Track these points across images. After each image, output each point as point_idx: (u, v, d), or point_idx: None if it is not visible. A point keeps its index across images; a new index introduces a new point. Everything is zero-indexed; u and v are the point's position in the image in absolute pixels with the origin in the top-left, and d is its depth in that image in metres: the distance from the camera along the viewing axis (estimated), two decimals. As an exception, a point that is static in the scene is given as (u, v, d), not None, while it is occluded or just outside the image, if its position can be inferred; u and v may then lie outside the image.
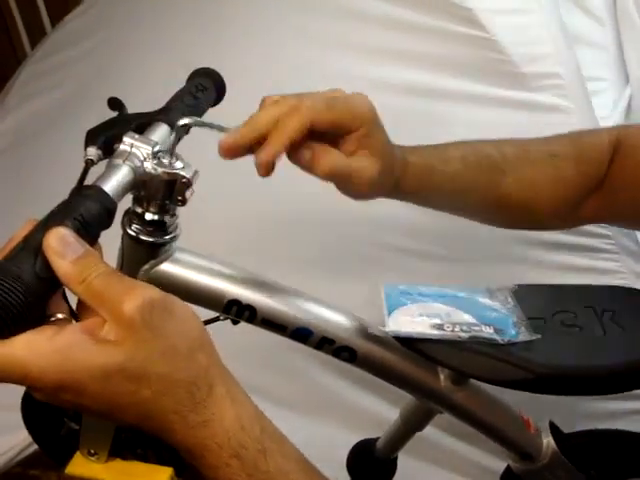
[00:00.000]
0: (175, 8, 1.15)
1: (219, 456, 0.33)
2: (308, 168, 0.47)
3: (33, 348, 0.31)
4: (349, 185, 0.48)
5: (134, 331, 0.32)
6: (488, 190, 0.55)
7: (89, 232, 0.36)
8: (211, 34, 1.05)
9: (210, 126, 0.49)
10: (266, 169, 0.45)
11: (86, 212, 0.36)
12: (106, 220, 0.38)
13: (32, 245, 0.33)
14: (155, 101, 0.52)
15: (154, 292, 0.34)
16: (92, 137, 0.45)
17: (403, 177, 0.52)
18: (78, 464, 0.79)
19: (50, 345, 0.31)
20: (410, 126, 0.90)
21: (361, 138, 0.47)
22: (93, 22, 1.33)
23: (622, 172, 0.57)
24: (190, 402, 0.33)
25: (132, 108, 0.51)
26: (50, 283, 0.33)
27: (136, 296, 0.32)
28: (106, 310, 0.32)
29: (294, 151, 0.46)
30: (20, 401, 0.78)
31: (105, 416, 0.33)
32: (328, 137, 0.48)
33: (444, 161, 0.54)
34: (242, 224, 0.90)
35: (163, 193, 0.44)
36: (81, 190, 0.38)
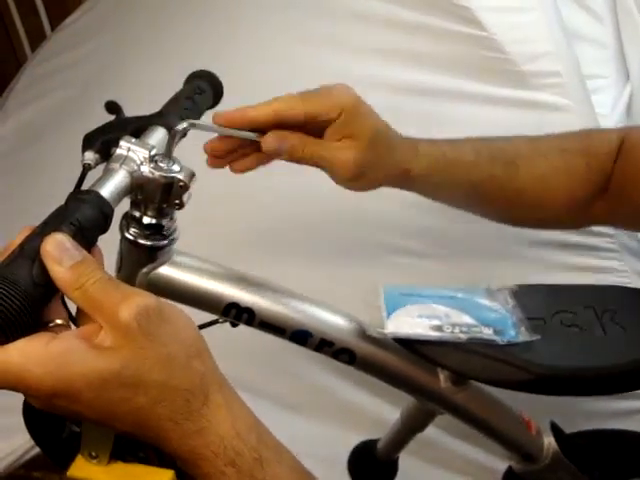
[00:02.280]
0: (174, 11, 1.15)
1: (215, 464, 0.33)
2: (290, 158, 0.49)
3: (28, 354, 0.31)
4: (332, 172, 0.50)
5: (130, 338, 0.32)
6: (504, 183, 0.55)
7: (86, 237, 0.36)
8: (211, 36, 1.05)
9: (207, 129, 0.49)
10: (211, 148, 0.50)
11: (83, 217, 0.36)
12: (103, 225, 0.38)
13: (29, 251, 0.33)
14: (154, 103, 0.52)
15: (150, 299, 0.33)
16: (89, 141, 0.45)
17: (413, 161, 0.52)
18: (80, 467, 0.79)
19: (45, 351, 0.31)
20: (409, 125, 0.90)
21: (342, 126, 0.48)
22: (93, 25, 1.34)
23: (623, 172, 0.57)
24: (186, 410, 0.33)
25: (131, 111, 0.51)
26: (47, 289, 0.33)
27: (132, 303, 0.32)
28: (102, 317, 0.32)
29: (272, 141, 0.48)
30: (22, 404, 0.78)
31: (100, 423, 0.33)
32: (311, 129, 0.49)
33: (458, 151, 0.54)
34: (240, 225, 0.90)
35: (160, 197, 0.44)
36: (78, 195, 0.38)
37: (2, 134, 1.26)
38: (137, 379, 0.32)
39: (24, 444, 0.93)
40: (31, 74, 1.35)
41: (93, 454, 0.77)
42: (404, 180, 0.53)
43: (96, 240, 0.38)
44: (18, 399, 0.77)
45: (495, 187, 0.55)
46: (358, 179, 0.50)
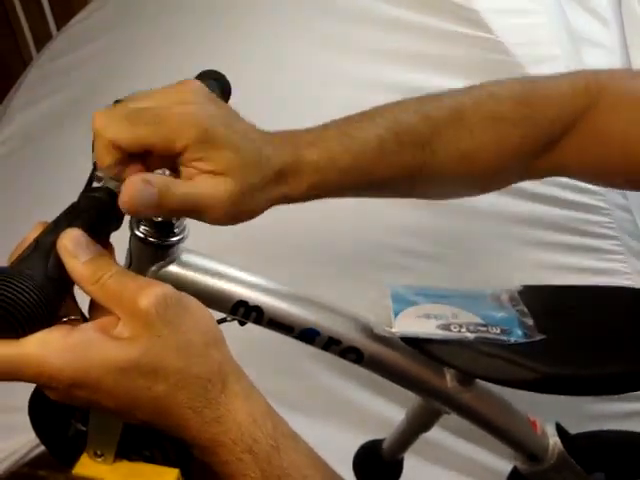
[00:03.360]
0: (181, 12, 1.15)
1: (232, 451, 0.33)
2: (154, 210, 0.37)
3: (47, 346, 0.31)
4: (202, 215, 0.39)
5: (149, 327, 0.32)
6: (415, 171, 0.46)
7: (100, 233, 0.37)
8: (218, 36, 1.05)
9: None
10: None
11: (96, 214, 0.37)
12: (116, 221, 0.39)
13: (44, 246, 0.34)
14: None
15: (168, 288, 0.34)
16: None
17: (297, 183, 0.42)
18: (85, 465, 0.79)
19: (64, 343, 0.31)
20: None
21: (195, 160, 0.38)
22: (98, 25, 1.34)
23: (608, 123, 0.49)
24: (204, 398, 0.33)
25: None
26: (62, 284, 0.34)
27: (150, 293, 0.33)
28: (121, 308, 0.33)
29: (133, 194, 0.36)
30: (27, 403, 0.78)
31: (119, 413, 0.34)
32: (156, 162, 0.39)
33: (354, 152, 0.44)
34: (246, 226, 0.91)
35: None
36: (91, 192, 0.39)
37: (8, 133, 1.26)
38: (156, 367, 0.32)
39: (28, 443, 0.93)
40: (37, 74, 1.35)
41: (98, 452, 0.77)
42: (289, 201, 0.44)
43: (109, 237, 0.39)
44: (22, 398, 0.78)
45: (403, 176, 0.47)
46: (233, 218, 0.41)
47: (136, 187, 0.35)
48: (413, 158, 0.46)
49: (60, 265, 0.34)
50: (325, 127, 0.45)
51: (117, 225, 0.39)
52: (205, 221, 0.41)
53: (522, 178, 0.54)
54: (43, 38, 1.74)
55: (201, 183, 0.38)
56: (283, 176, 0.42)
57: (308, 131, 0.44)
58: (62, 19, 1.65)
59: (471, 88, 0.49)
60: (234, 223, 0.42)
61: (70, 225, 0.35)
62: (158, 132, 0.37)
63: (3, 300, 0.31)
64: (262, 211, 0.43)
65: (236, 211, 0.40)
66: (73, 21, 1.42)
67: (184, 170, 0.39)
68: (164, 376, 0.32)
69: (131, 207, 0.35)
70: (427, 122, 0.46)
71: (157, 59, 1.12)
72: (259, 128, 0.43)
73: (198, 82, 0.41)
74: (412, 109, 0.47)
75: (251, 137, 0.41)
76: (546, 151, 0.50)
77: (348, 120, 0.46)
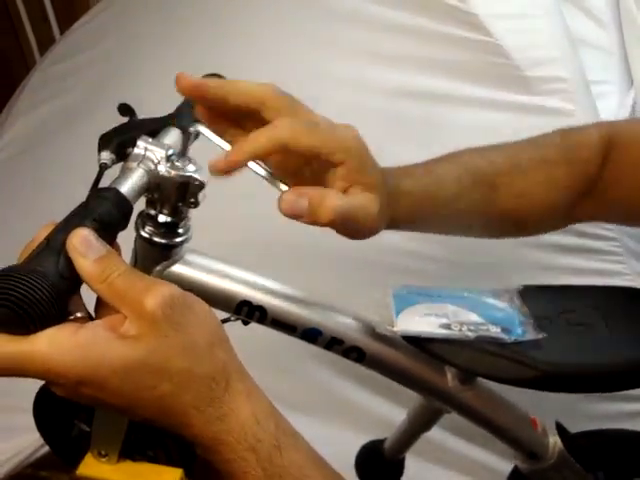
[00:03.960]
0: (183, 17, 1.16)
1: (235, 450, 0.34)
2: (308, 218, 0.42)
3: (56, 343, 0.32)
4: (356, 226, 0.44)
5: (156, 327, 0.33)
6: (483, 208, 0.54)
7: (107, 233, 0.37)
8: (220, 39, 1.06)
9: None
10: (218, 172, 0.42)
11: (104, 214, 0.37)
12: (123, 221, 0.39)
13: (54, 245, 0.35)
14: (166, 105, 0.53)
15: (175, 289, 0.35)
16: (105, 142, 0.46)
17: (396, 208, 0.48)
18: (89, 465, 0.80)
19: (73, 340, 0.32)
20: (414, 130, 0.91)
21: (352, 173, 0.43)
22: (102, 29, 1.35)
23: (616, 171, 0.56)
24: (209, 397, 0.34)
25: (142, 113, 0.52)
26: (72, 282, 0.34)
27: (157, 293, 0.34)
28: (128, 307, 0.33)
29: (288, 204, 0.41)
30: (32, 403, 0.78)
31: (124, 411, 0.34)
32: (307, 174, 0.44)
33: (440, 185, 0.51)
34: (247, 227, 0.91)
35: (176, 196, 0.45)
36: (98, 192, 0.39)
37: (11, 136, 1.27)
38: (162, 366, 0.33)
39: (32, 444, 0.94)
40: (40, 77, 1.36)
41: (102, 452, 0.78)
42: (387, 227, 0.50)
43: (116, 237, 0.40)
44: (27, 400, 0.78)
45: (475, 212, 0.54)
46: (376, 231, 0.47)
47: (289, 197, 0.41)
48: (482, 195, 0.53)
49: (71, 263, 0.34)
50: (412, 166, 0.53)
51: (124, 225, 0.40)
52: (353, 234, 0.46)
53: (567, 221, 0.60)
54: (46, 42, 1.74)
55: (357, 197, 0.43)
56: (390, 201, 0.47)
57: (398, 168, 0.51)
58: (65, 23, 1.66)
59: (523, 140, 0.58)
60: (370, 236, 0.47)
61: (80, 224, 0.36)
62: (329, 144, 0.42)
63: (16, 297, 0.32)
64: (382, 227, 0.48)
65: (378, 226, 0.46)
66: (76, 25, 1.43)
67: (337, 183, 0.43)
68: (169, 376, 0.33)
69: (287, 213, 0.41)
70: (491, 166, 0.54)
71: (159, 62, 1.13)
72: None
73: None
74: (479, 155, 0.55)
75: (371, 156, 0.46)
76: (587, 193, 0.57)
77: (429, 161, 0.54)
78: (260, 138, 0.41)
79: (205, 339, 0.35)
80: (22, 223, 1.11)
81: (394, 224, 0.50)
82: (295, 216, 0.42)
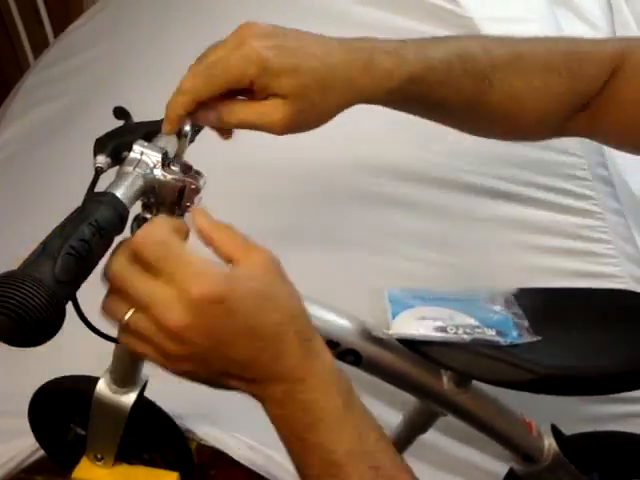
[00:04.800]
0: (179, 16, 1.16)
1: (322, 381, 0.39)
2: (218, 127, 0.48)
3: (205, 266, 0.37)
4: (262, 130, 0.46)
5: (268, 271, 0.39)
6: (472, 98, 0.51)
7: (104, 238, 0.37)
8: (215, 40, 1.06)
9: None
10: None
11: (101, 218, 0.37)
12: (120, 225, 0.39)
13: (51, 250, 0.34)
14: (161, 108, 0.53)
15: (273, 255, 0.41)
16: (101, 145, 0.46)
17: (366, 85, 0.47)
18: (84, 469, 0.80)
19: (215, 269, 0.37)
20: (414, 127, 0.91)
21: (262, 89, 0.45)
22: (96, 32, 1.35)
23: (624, 91, 0.53)
24: (308, 333, 0.40)
25: (137, 116, 0.52)
26: (69, 287, 0.34)
27: (265, 251, 0.40)
28: (242, 255, 0.39)
29: (200, 114, 0.46)
30: (27, 407, 0.78)
31: (241, 338, 0.37)
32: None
33: (428, 69, 0.49)
34: (247, 224, 0.91)
35: (172, 199, 0.45)
36: (95, 197, 0.39)
37: (6, 138, 1.26)
38: (274, 299, 0.38)
39: (26, 448, 0.93)
40: (34, 80, 1.36)
41: (98, 456, 0.78)
42: (365, 102, 0.49)
43: (113, 240, 0.40)
44: (21, 404, 0.78)
45: (461, 104, 0.51)
46: (296, 130, 0.47)
47: (203, 112, 0.45)
48: (473, 87, 0.50)
49: (67, 268, 0.34)
50: (402, 41, 0.49)
51: (120, 229, 0.40)
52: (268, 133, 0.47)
53: (557, 133, 0.57)
54: (40, 45, 1.74)
55: (261, 107, 0.45)
56: (357, 84, 0.46)
57: (386, 41, 0.49)
58: (59, 26, 1.65)
59: (528, 38, 0.54)
60: (298, 132, 0.47)
61: (76, 229, 0.36)
62: (228, 79, 0.44)
63: (13, 304, 0.32)
64: (332, 116, 0.48)
65: (296, 125, 0.46)
66: (70, 28, 1.42)
67: (256, 95, 0.45)
68: (279, 307, 0.38)
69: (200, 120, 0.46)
70: (489, 58, 0.50)
71: (154, 65, 1.12)
72: (330, 38, 0.47)
73: (253, 22, 0.47)
74: (478, 44, 0.51)
75: (313, 53, 0.45)
76: (583, 109, 0.54)
77: (423, 40, 0.51)
78: (169, 112, 0.46)
79: (297, 293, 0.41)
80: (17, 225, 1.10)
81: (372, 102, 0.48)
82: (205, 122, 0.47)
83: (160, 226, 0.38)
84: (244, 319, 0.37)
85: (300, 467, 0.39)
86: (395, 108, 0.51)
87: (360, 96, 0.47)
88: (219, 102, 0.46)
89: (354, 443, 0.38)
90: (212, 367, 0.38)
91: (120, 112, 0.52)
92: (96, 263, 0.38)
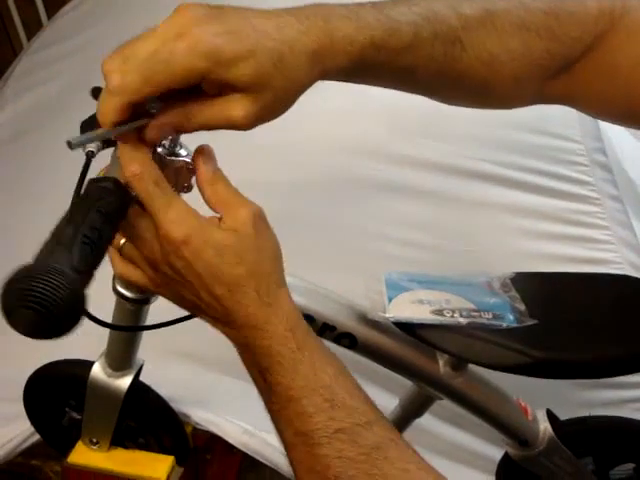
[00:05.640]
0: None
1: (277, 329, 0.42)
2: (180, 133, 0.43)
3: (181, 214, 0.41)
4: (225, 129, 0.41)
5: (244, 228, 0.42)
6: (443, 66, 0.46)
7: (112, 223, 0.37)
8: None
9: None
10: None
11: (107, 204, 0.37)
12: (124, 210, 0.39)
13: (66, 240, 0.34)
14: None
15: (260, 210, 0.44)
16: (88, 128, 0.45)
17: (335, 58, 0.42)
18: (80, 453, 0.80)
19: (191, 216, 0.41)
20: (412, 111, 0.91)
21: (214, 83, 0.39)
22: (90, 14, 1.33)
23: (616, 55, 0.49)
24: (266, 288, 0.43)
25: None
26: (87, 276, 0.34)
27: (250, 208, 0.43)
28: (226, 210, 0.43)
29: (151, 131, 0.41)
30: (22, 392, 0.78)
31: (201, 283, 0.41)
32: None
33: (391, 32, 0.43)
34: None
35: (168, 180, 0.44)
36: (97, 182, 0.39)
37: (0, 122, 1.25)
38: (243, 254, 0.42)
39: (22, 433, 0.93)
40: (28, 63, 1.34)
41: (94, 440, 0.78)
42: (329, 79, 0.44)
43: (117, 227, 0.39)
44: (16, 389, 0.78)
45: (432, 71, 0.46)
46: (263, 121, 0.41)
47: (155, 126, 0.41)
48: (445, 52, 0.46)
49: (84, 258, 0.34)
50: (359, 4, 0.44)
51: (124, 214, 0.40)
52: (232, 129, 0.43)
53: (535, 99, 0.53)
54: (33, 27, 1.72)
55: (221, 106, 0.40)
56: (317, 54, 0.41)
57: (340, 6, 0.43)
58: (53, 8, 1.63)
59: None
60: (265, 122, 0.42)
61: (87, 215, 0.36)
62: (172, 76, 0.37)
63: (40, 297, 0.31)
64: (296, 99, 0.43)
65: (262, 117, 0.41)
66: (64, 10, 1.41)
67: (209, 91, 0.40)
68: (246, 262, 0.42)
69: (157, 140, 0.43)
70: (460, 18, 0.46)
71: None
72: (276, 11, 0.41)
73: (189, 5, 0.39)
74: (446, 3, 0.46)
75: (265, 32, 0.39)
76: (563, 72, 0.50)
77: (383, 2, 0.45)
78: (104, 113, 0.40)
79: (272, 251, 0.44)
80: (11, 208, 1.10)
81: (335, 74, 0.43)
82: (163, 138, 0.44)
83: (155, 168, 0.41)
84: (206, 265, 0.41)
85: (265, 402, 0.44)
86: (358, 82, 0.46)
87: (322, 70, 0.42)
88: (170, 106, 0.40)
89: (309, 379, 0.41)
90: (184, 298, 0.44)
91: (99, 92, 0.50)
92: (107, 249, 0.38)
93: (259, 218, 0.43)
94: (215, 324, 0.45)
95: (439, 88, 0.50)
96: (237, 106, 0.39)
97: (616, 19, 0.48)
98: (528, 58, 0.48)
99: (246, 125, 0.40)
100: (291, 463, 0.43)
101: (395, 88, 0.49)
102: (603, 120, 0.59)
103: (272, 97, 0.40)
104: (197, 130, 0.41)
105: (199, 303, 0.43)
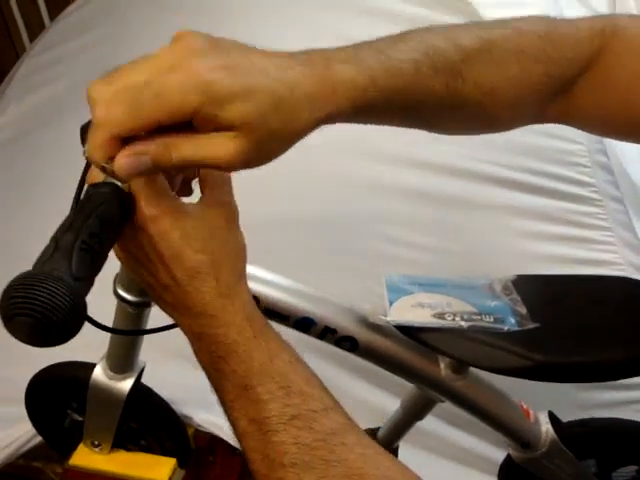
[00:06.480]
0: (174, 2, 1.15)
1: (235, 318, 0.42)
2: (160, 170, 0.40)
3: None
4: (210, 167, 0.41)
5: (217, 222, 0.43)
6: (444, 99, 0.46)
7: (112, 229, 0.37)
8: (213, 26, 1.05)
9: None
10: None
11: (107, 210, 0.37)
12: (125, 215, 0.39)
13: (65, 246, 0.34)
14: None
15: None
16: (87, 133, 0.45)
17: (336, 100, 0.40)
18: (82, 455, 0.80)
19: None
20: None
21: (207, 120, 0.36)
22: (92, 15, 1.33)
23: (615, 71, 0.49)
24: (225, 280, 0.42)
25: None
26: (87, 283, 0.34)
27: (228, 202, 0.45)
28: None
29: (124, 163, 0.37)
30: (24, 394, 0.78)
31: (165, 262, 0.41)
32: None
33: (392, 72, 0.43)
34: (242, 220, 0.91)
35: (169, 183, 0.45)
36: (97, 188, 0.39)
37: (1, 123, 1.26)
38: (207, 243, 0.42)
39: (23, 435, 0.93)
40: (30, 64, 1.34)
41: (96, 442, 0.78)
42: (333, 122, 0.42)
43: (120, 232, 0.39)
44: (18, 391, 0.78)
45: (433, 105, 0.46)
46: (252, 165, 0.40)
47: (128, 163, 0.37)
48: (446, 86, 0.45)
49: (83, 265, 0.34)
50: (357, 47, 0.43)
51: (125, 218, 0.40)
52: (218, 169, 0.43)
53: (534, 121, 0.53)
54: (36, 29, 1.72)
55: (208, 143, 0.37)
56: (318, 100, 0.39)
57: (339, 49, 0.42)
58: (55, 9, 1.63)
59: (497, 21, 0.49)
60: (254, 167, 0.40)
61: (87, 221, 0.36)
62: (162, 110, 0.35)
63: (39, 305, 0.31)
64: (292, 144, 0.41)
65: (253, 160, 0.39)
66: (66, 11, 1.41)
67: (200, 129, 0.37)
68: (209, 251, 0.42)
69: (130, 177, 0.39)
70: (458, 50, 0.45)
71: (151, 49, 1.11)
72: (277, 51, 0.40)
73: (189, 34, 0.38)
74: (442, 36, 0.46)
75: (266, 70, 0.38)
76: (560, 94, 0.50)
77: (380, 41, 0.44)
78: (96, 152, 0.38)
79: (238, 249, 0.45)
80: (14, 209, 1.10)
81: (337, 118, 0.42)
82: (138, 175, 0.38)
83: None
84: (170, 246, 0.41)
85: (218, 393, 0.43)
86: (361, 122, 0.45)
87: (323, 115, 0.40)
88: (148, 138, 0.37)
89: (265, 367, 0.41)
90: (143, 278, 0.44)
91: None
92: (107, 255, 0.38)
93: (233, 216, 0.45)
94: (170, 311, 0.44)
95: (441, 120, 0.50)
96: (226, 144, 0.37)
97: (608, 38, 0.49)
98: (527, 82, 0.48)
99: (232, 166, 0.38)
100: (245, 452, 0.42)
101: (398, 125, 0.48)
102: (604, 137, 0.60)
103: (265, 140, 0.38)
104: (178, 167, 0.38)
105: (156, 286, 0.43)
